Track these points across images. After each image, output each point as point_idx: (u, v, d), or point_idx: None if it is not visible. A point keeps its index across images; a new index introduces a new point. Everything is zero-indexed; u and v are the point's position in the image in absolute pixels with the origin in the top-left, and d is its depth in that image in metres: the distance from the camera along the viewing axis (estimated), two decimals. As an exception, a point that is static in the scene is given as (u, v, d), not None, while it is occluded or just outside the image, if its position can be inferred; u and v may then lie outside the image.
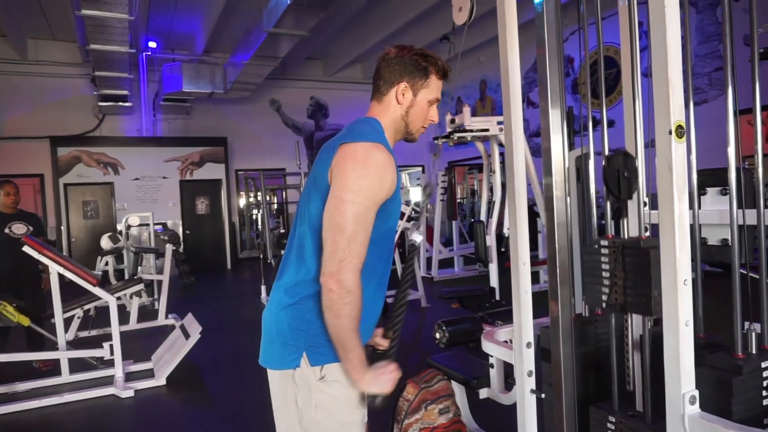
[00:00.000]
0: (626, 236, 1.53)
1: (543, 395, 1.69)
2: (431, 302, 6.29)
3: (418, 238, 1.46)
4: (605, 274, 1.51)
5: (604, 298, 1.51)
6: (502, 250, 4.28)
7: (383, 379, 1.28)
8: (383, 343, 1.53)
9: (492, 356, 2.16)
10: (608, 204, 1.61)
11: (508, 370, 2.20)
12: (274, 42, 8.04)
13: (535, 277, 6.96)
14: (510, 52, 1.68)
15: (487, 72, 11.66)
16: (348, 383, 1.30)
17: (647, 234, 1.47)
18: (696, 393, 1.20)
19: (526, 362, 1.72)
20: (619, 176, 1.51)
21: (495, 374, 2.26)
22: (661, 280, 1.21)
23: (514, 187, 1.71)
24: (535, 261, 6.90)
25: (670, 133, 1.18)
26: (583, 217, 3.51)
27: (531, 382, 1.73)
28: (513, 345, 1.80)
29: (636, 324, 1.51)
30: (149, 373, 4.04)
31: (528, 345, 1.73)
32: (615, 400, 1.57)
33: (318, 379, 1.29)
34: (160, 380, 3.84)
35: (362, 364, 1.27)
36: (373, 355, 1.55)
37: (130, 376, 4.02)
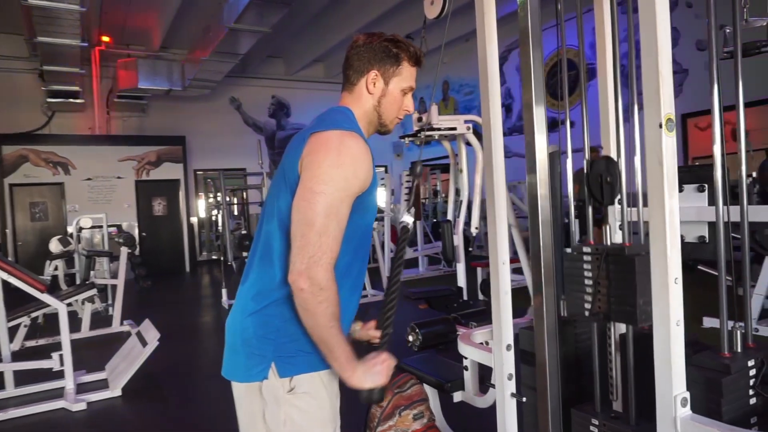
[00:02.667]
0: (609, 242, 1.49)
1: (524, 399, 1.64)
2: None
3: (409, 219, 1.37)
4: (588, 282, 1.47)
5: (587, 306, 1.47)
6: (470, 249, 4.25)
7: (375, 371, 1.18)
8: (378, 335, 1.44)
9: (467, 358, 2.11)
10: (589, 209, 1.58)
11: (482, 372, 2.15)
12: (234, 38, 7.84)
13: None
14: (488, 42, 1.62)
15: (449, 72, 11.72)
16: (320, 395, 1.21)
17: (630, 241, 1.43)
18: (687, 395, 1.16)
19: (506, 365, 1.67)
20: (601, 181, 1.47)
21: (470, 377, 2.21)
22: (651, 278, 1.17)
23: (493, 183, 1.65)
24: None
25: (660, 126, 1.14)
26: (555, 215, 3.51)
27: (511, 386, 1.67)
28: (492, 347, 1.74)
29: (618, 325, 1.48)
30: (103, 384, 3.81)
31: (508, 347, 1.67)
32: (597, 402, 1.54)
33: (287, 392, 1.19)
34: (114, 391, 3.63)
35: (350, 360, 1.16)
36: (369, 350, 1.46)
37: (82, 388, 3.78)
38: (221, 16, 7.48)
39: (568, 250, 1.53)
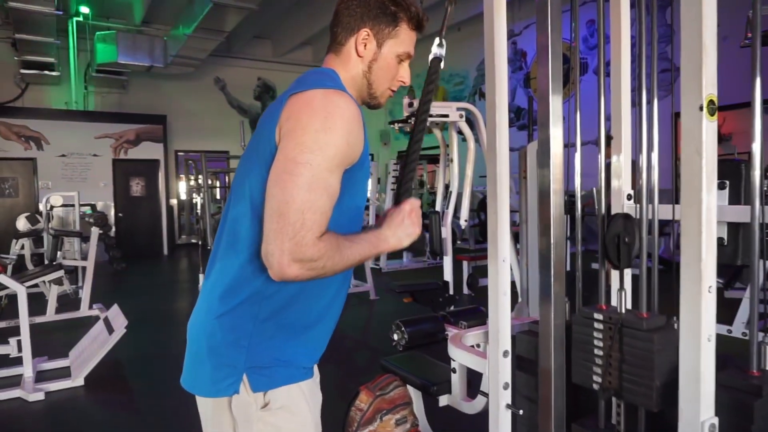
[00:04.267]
0: (623, 310, 1.33)
1: (521, 412, 1.49)
2: (380, 295, 6.07)
3: (440, 51, 1.23)
4: (598, 352, 1.30)
5: (597, 380, 1.31)
6: (457, 243, 4.09)
7: (405, 226, 1.08)
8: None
9: (455, 360, 1.95)
10: (602, 273, 1.41)
11: (471, 374, 2.00)
12: (219, 14, 7.53)
13: (483, 271, 6.88)
14: (496, 15, 1.44)
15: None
16: (300, 409, 1.03)
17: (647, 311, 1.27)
18: (716, 421, 1.01)
19: (502, 373, 1.51)
20: (618, 242, 1.31)
21: (457, 380, 2.05)
22: (682, 285, 1.02)
23: (495, 174, 1.48)
24: (485, 254, 6.82)
25: (701, 109, 0.97)
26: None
27: (507, 396, 1.52)
28: (487, 353, 1.58)
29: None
30: (65, 372, 3.58)
31: (505, 354, 1.51)
32: (601, 417, 1.39)
33: (260, 408, 1.01)
34: (77, 380, 3.40)
35: (377, 239, 1.05)
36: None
37: (42, 376, 3.55)
38: (206, -11, 7.17)
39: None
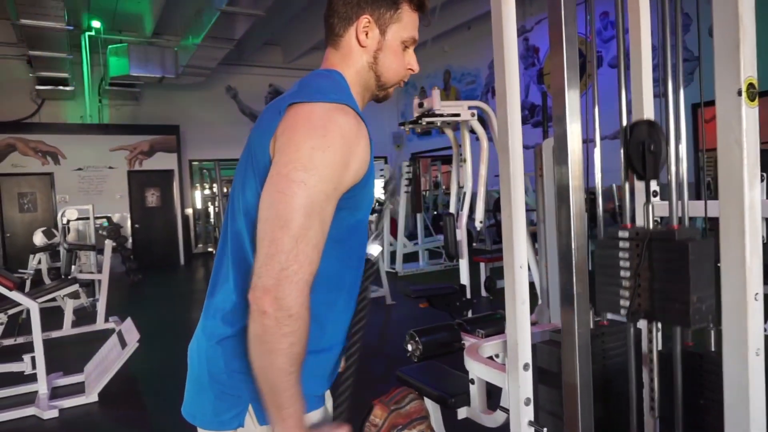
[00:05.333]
0: (650, 224, 1.23)
1: (545, 430, 1.38)
2: (397, 299, 5.97)
3: (375, 250, 1.08)
4: (625, 274, 1.21)
5: (624, 304, 1.21)
6: (474, 244, 3.98)
7: None
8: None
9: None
10: (626, 186, 1.31)
11: (491, 385, 1.89)
12: (228, 22, 7.52)
13: (501, 273, 6.74)
14: (504, 5, 1.34)
15: (451, 62, 11.40)
16: None
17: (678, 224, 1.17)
18: (768, 446, 0.90)
19: (522, 388, 1.40)
20: (643, 150, 1.20)
21: (476, 391, 1.95)
22: (724, 292, 0.90)
23: (508, 173, 1.38)
24: (500, 255, 6.68)
25: (740, 93, 0.86)
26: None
27: (529, 412, 1.41)
28: (506, 366, 1.47)
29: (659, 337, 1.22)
30: (80, 388, 3.55)
31: (525, 367, 1.40)
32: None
33: None
34: (91, 396, 3.37)
35: (299, 425, 0.87)
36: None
37: (57, 392, 3.52)
38: (213, -2, 7.17)
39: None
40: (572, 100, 1.14)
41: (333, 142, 0.86)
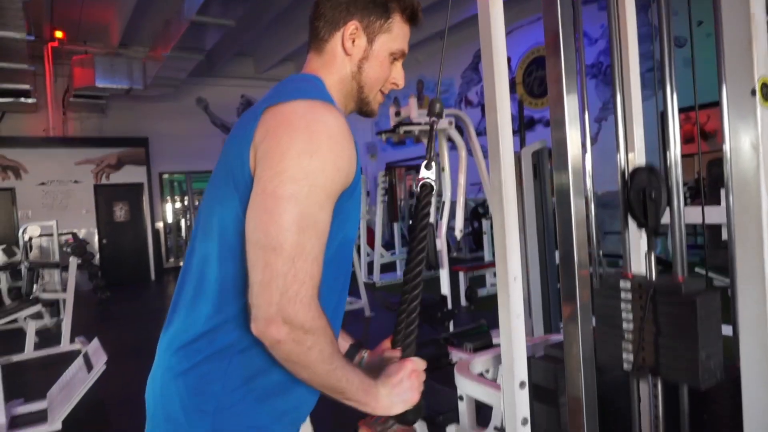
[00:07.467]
0: (653, 276, 1.17)
1: (545, 452, 1.31)
2: (375, 311, 5.87)
3: (430, 174, 0.96)
4: (627, 327, 1.14)
5: (628, 357, 1.14)
6: (454, 254, 3.93)
7: (403, 388, 0.87)
8: (396, 355, 1.07)
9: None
10: (626, 234, 1.26)
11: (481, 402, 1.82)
12: (197, 32, 7.38)
13: (480, 281, 6.72)
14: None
15: (424, 72, 11.43)
16: None
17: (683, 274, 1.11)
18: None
19: (519, 407, 1.33)
20: (644, 197, 1.16)
21: (465, 408, 1.86)
22: (740, 318, 0.85)
23: (500, 179, 1.31)
24: (481, 264, 6.65)
25: (753, 93, 0.81)
26: (541, 217, 3.18)
27: (526, 433, 1.33)
28: (501, 384, 1.40)
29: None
30: (42, 416, 3.33)
31: (522, 385, 1.33)
32: (638, 454, 1.22)
33: None
34: (54, 424, 3.16)
35: (368, 392, 0.85)
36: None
37: (17, 421, 3.30)
38: (182, 8, 7.02)
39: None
40: (571, 105, 1.08)
41: (320, 143, 0.79)
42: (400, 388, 0.87)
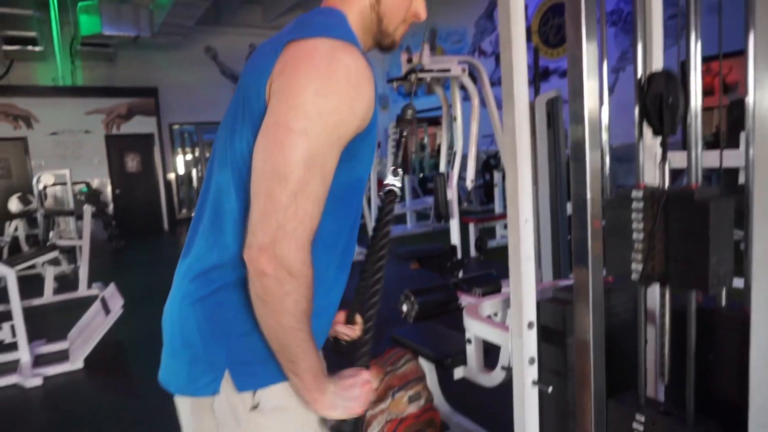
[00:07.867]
0: (667, 183, 1.16)
1: (550, 389, 1.33)
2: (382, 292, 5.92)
3: (395, 181, 0.96)
4: (638, 237, 1.14)
5: (637, 267, 1.15)
6: (464, 206, 3.92)
7: (351, 395, 0.85)
8: (348, 332, 1.10)
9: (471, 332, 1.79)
10: (641, 144, 1.23)
11: (488, 343, 1.85)
12: (204, -23, 7.16)
13: (491, 233, 6.74)
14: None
15: (437, 20, 11.10)
16: (297, 410, 0.86)
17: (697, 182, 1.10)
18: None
19: (526, 347, 1.35)
20: (661, 104, 1.13)
21: (473, 351, 1.90)
22: (753, 263, 0.84)
23: (514, 123, 1.29)
24: (492, 216, 6.65)
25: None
26: (554, 167, 3.15)
27: (533, 372, 1.36)
28: (509, 325, 1.42)
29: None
30: (64, 355, 3.47)
31: (530, 325, 1.35)
32: (641, 394, 1.24)
33: (250, 410, 0.85)
34: (75, 363, 3.30)
35: (318, 378, 0.83)
36: (337, 347, 1.12)
37: (40, 360, 3.44)
38: (188, -50, 6.80)
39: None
40: (590, 53, 1.05)
41: (338, 85, 0.77)
42: (349, 394, 0.85)
